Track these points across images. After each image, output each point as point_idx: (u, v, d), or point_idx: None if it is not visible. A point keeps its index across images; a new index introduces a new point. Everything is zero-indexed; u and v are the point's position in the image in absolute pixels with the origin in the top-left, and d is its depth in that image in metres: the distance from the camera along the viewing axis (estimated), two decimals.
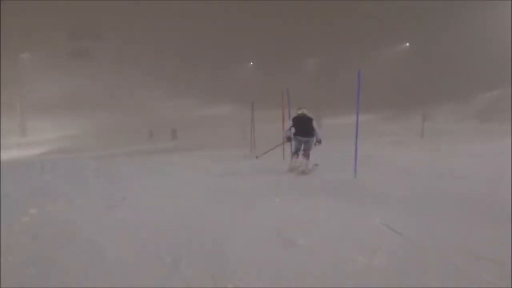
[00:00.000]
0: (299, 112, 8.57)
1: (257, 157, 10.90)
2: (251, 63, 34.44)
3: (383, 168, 8.56)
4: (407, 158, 10.31)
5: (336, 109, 27.30)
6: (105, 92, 30.08)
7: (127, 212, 5.25)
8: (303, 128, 8.39)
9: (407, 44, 29.20)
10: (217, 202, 5.76)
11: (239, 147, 15.10)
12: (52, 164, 9.63)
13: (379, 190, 6.29)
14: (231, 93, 31.10)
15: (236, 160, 10.90)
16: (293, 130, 8.51)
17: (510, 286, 3.15)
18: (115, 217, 5.06)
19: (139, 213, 5.23)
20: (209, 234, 4.32)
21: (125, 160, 11.50)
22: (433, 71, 25.78)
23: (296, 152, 8.57)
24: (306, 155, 8.38)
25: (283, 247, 3.92)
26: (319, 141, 8.40)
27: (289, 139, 8.62)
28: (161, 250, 3.90)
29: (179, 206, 5.54)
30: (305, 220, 4.74)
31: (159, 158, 12.06)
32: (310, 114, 8.60)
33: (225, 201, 5.79)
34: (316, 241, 4.05)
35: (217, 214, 5.12)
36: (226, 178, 7.83)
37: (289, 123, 8.55)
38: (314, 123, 8.38)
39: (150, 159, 11.93)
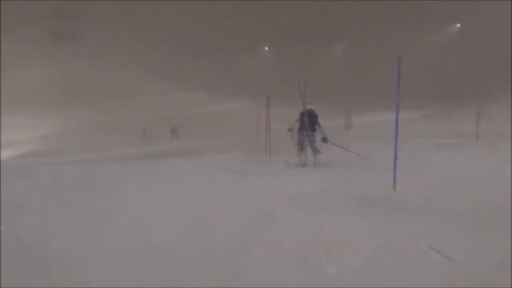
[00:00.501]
0: (308, 107, 10.73)
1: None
2: (266, 48, 34.29)
3: (429, 177, 8.50)
4: (458, 165, 10.19)
5: (369, 104, 27.17)
6: (94, 84, 30.35)
7: (115, 232, 5.19)
8: (308, 123, 10.66)
9: (458, 25, 28.59)
10: (225, 217, 5.69)
11: (252, 149, 15.10)
12: (26, 170, 9.70)
13: (424, 204, 6.23)
14: (243, 85, 31.14)
15: (248, 165, 10.95)
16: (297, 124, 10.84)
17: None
18: (101, 237, 5.00)
19: (130, 232, 5.17)
20: (215, 260, 4.23)
21: (114, 166, 11.52)
22: (489, 58, 25.34)
23: (300, 145, 10.86)
24: (315, 150, 10.73)
25: (308, 275, 3.86)
26: (325, 140, 10.65)
27: (290, 130, 11.02)
28: (155, 280, 3.83)
29: (178, 224, 5.47)
30: (335, 242, 4.67)
31: (155, 164, 12.07)
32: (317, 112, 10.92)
33: (235, 217, 5.71)
34: (348, 268, 3.99)
35: (226, 233, 5.04)
36: (236, 188, 7.80)
37: (294, 120, 10.91)
38: (320, 121, 10.69)
39: (145, 165, 11.95)
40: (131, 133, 27.65)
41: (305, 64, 29.11)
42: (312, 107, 11.03)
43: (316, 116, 10.80)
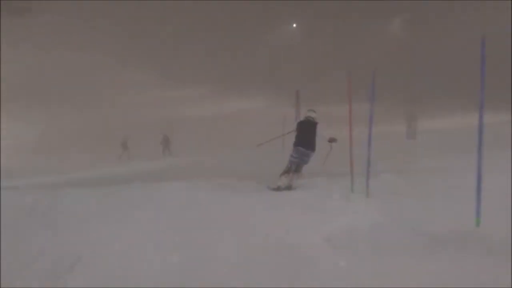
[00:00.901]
0: (307, 114, 11.78)
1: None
2: (294, 25, 34.39)
3: None
4: None
5: (440, 104, 27.10)
6: (59, 77, 30.74)
7: (84, 281, 5.21)
8: (308, 137, 11.55)
9: None
10: (236, 272, 5.69)
11: (274, 170, 15.24)
12: None
13: None
14: (260, 77, 31.26)
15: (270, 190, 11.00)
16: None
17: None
18: None
19: (103, 282, 5.17)
20: None
21: (82, 192, 11.61)
22: None
23: (289, 170, 11.62)
24: (298, 171, 11.66)
25: None
26: (332, 139, 11.58)
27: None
28: None
29: (163, 273, 5.48)
30: None
31: (134, 193, 12.16)
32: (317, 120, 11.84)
33: (250, 269, 5.72)
34: None
35: None
36: (253, 223, 7.93)
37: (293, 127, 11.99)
38: (319, 129, 11.56)
39: (119, 193, 12.04)
40: (107, 144, 27.93)
41: (348, 47, 29.12)
42: (313, 114, 11.93)
43: (315, 125, 11.75)
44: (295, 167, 11.70)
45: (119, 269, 5.74)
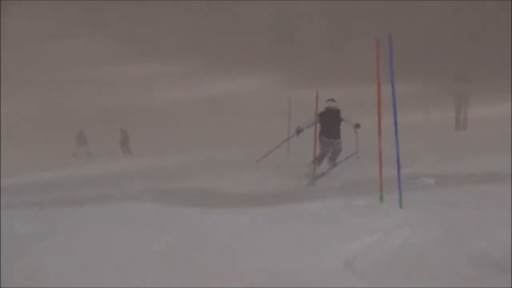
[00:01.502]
0: (327, 105, 14.54)
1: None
2: None
3: None
4: None
5: (496, 88, 27.25)
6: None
7: None
8: (329, 126, 14.42)
9: None
10: None
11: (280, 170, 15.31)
12: None
13: None
14: (261, 50, 31.26)
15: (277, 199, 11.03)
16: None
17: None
18: None
19: None
20: None
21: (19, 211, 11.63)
22: None
23: (319, 158, 14.60)
24: (332, 163, 14.48)
25: None
26: (357, 125, 14.50)
27: (298, 130, 15.08)
28: None
29: None
30: None
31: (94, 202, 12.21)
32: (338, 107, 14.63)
33: None
34: None
35: None
36: (255, 248, 7.82)
37: (309, 119, 14.61)
38: (343, 115, 14.33)
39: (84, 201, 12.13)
40: (62, 135, 28.07)
41: (374, 12, 29.26)
42: (333, 103, 14.75)
43: (338, 112, 14.67)
44: (322, 157, 14.82)
45: None
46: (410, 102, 15.27)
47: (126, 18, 32.49)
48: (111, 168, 21.06)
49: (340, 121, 14.57)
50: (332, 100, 14.69)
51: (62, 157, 25.63)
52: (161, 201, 11.92)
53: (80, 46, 33.46)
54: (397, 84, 10.60)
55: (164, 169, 19.72)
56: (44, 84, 31.78)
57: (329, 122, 14.44)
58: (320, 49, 28.00)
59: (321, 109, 15.00)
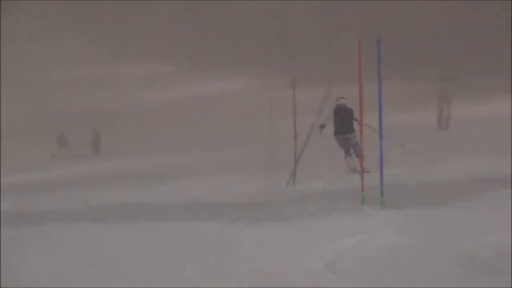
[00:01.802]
0: (338, 103, 15.99)
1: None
2: None
3: None
4: None
5: (480, 81, 27.40)
6: None
7: None
8: (343, 122, 15.79)
9: None
10: None
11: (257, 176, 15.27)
12: None
13: None
14: (240, 49, 31.24)
15: (260, 206, 10.87)
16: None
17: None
18: None
19: None
20: None
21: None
22: None
23: (348, 153, 15.86)
24: (360, 156, 13.33)
25: None
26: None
27: (322, 126, 15.63)
28: None
29: None
30: None
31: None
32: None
33: None
34: None
35: None
36: (238, 257, 7.72)
37: (322, 117, 15.24)
38: (356, 116, 13.95)
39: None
40: (43, 138, 28.02)
41: (356, 9, 29.39)
42: (343, 100, 16.15)
43: (352, 112, 15.66)
44: (347, 152, 16.01)
45: None
46: (393, 102, 15.34)
47: (115, 19, 32.38)
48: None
49: (352, 116, 15.79)
50: (343, 97, 16.28)
51: (42, 158, 25.56)
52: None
53: (67, 46, 33.40)
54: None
55: (146, 170, 19.68)
56: (30, 84, 31.71)
57: (342, 119, 16.00)
58: (308, 49, 28.01)
59: (333, 107, 16.53)
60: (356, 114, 13.84)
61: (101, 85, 32.94)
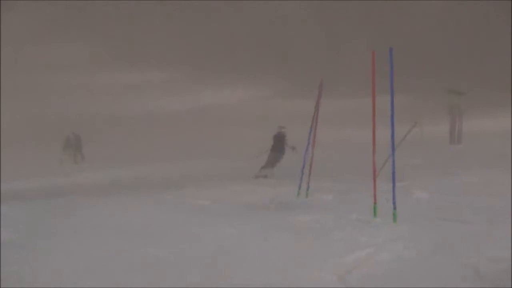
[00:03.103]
0: (279, 130, 21.25)
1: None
2: None
3: None
4: None
5: (492, 96, 27.35)
6: None
7: None
8: (278, 145, 21.01)
9: None
10: None
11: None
12: None
13: None
14: (243, 55, 31.24)
15: (268, 211, 10.83)
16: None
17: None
18: None
19: None
20: None
21: None
22: None
23: (268, 166, 20.95)
24: (273, 165, 20.80)
25: None
26: (292, 148, 20.09)
27: (293, 147, 20.19)
28: None
29: None
30: None
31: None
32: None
33: None
34: None
35: None
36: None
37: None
38: (287, 139, 20.85)
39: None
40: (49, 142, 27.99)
41: (370, 21, 29.38)
42: (283, 130, 21.40)
43: (284, 137, 21.13)
44: (268, 165, 21.04)
45: None
46: (403, 115, 15.28)
47: (115, 25, 32.38)
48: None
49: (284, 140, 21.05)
50: (283, 127, 21.61)
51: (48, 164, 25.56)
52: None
53: (65, 51, 33.42)
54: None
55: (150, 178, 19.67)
56: (31, 87, 31.71)
57: (278, 142, 21.16)
58: (313, 58, 27.96)
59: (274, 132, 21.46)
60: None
61: (103, 91, 32.92)
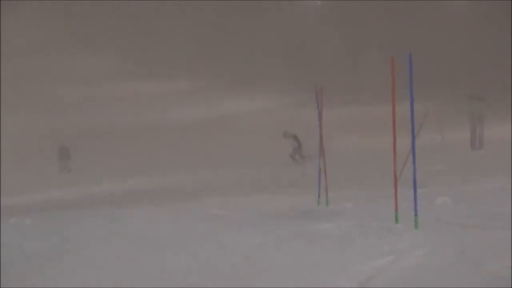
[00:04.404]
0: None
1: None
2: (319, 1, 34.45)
3: None
4: None
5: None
6: None
7: None
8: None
9: None
10: None
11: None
12: None
13: None
14: (258, 64, 31.26)
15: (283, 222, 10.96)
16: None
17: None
18: None
19: None
20: None
21: None
22: None
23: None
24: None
25: None
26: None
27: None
28: None
29: None
30: None
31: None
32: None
33: None
34: None
35: None
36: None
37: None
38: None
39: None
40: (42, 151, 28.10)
41: (388, 27, 29.32)
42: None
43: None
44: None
45: None
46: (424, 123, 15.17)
47: (130, 34, 32.44)
48: None
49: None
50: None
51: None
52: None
53: (78, 61, 33.50)
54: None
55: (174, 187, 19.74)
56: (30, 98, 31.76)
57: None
58: (333, 67, 28.00)
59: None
60: None
61: (121, 101, 32.97)
